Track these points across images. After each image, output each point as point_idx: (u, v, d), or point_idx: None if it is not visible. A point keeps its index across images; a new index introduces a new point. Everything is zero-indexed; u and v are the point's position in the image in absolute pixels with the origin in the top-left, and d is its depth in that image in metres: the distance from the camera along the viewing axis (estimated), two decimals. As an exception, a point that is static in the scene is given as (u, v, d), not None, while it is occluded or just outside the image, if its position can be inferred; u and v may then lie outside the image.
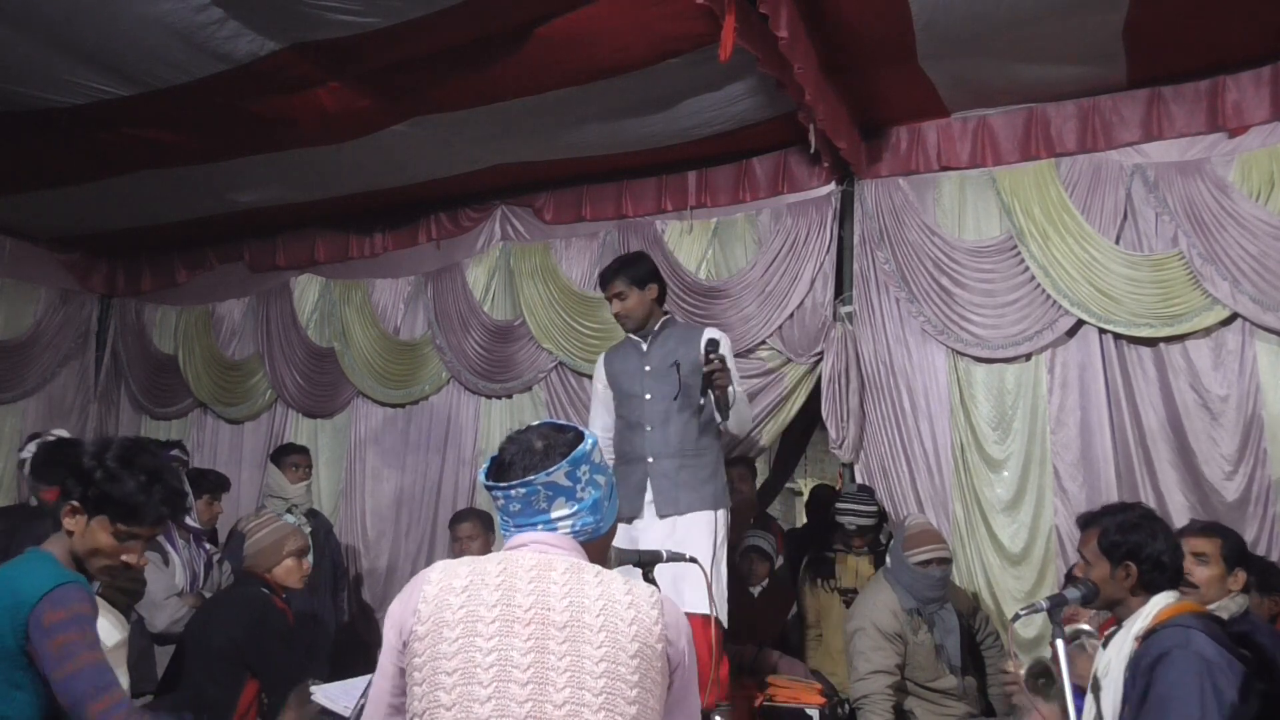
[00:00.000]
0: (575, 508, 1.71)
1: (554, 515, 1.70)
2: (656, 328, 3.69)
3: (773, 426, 4.82)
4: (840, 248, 4.77)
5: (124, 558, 2.19)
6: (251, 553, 3.36)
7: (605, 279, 3.73)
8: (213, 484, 4.66)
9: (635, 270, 3.66)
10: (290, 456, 4.93)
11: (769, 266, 4.79)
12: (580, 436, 1.76)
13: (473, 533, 4.60)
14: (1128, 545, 2.40)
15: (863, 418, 4.60)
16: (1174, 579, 2.43)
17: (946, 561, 3.79)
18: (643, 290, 3.64)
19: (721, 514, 3.53)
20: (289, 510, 4.70)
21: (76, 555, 2.18)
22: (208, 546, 4.43)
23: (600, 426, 3.75)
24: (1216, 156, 4.09)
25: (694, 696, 1.72)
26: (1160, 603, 2.38)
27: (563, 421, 1.82)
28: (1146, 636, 2.31)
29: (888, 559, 3.80)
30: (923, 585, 3.71)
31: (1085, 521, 2.59)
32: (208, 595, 4.11)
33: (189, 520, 4.36)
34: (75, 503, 2.16)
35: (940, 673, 3.73)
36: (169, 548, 4.05)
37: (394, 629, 1.65)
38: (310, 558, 3.41)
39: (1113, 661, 2.39)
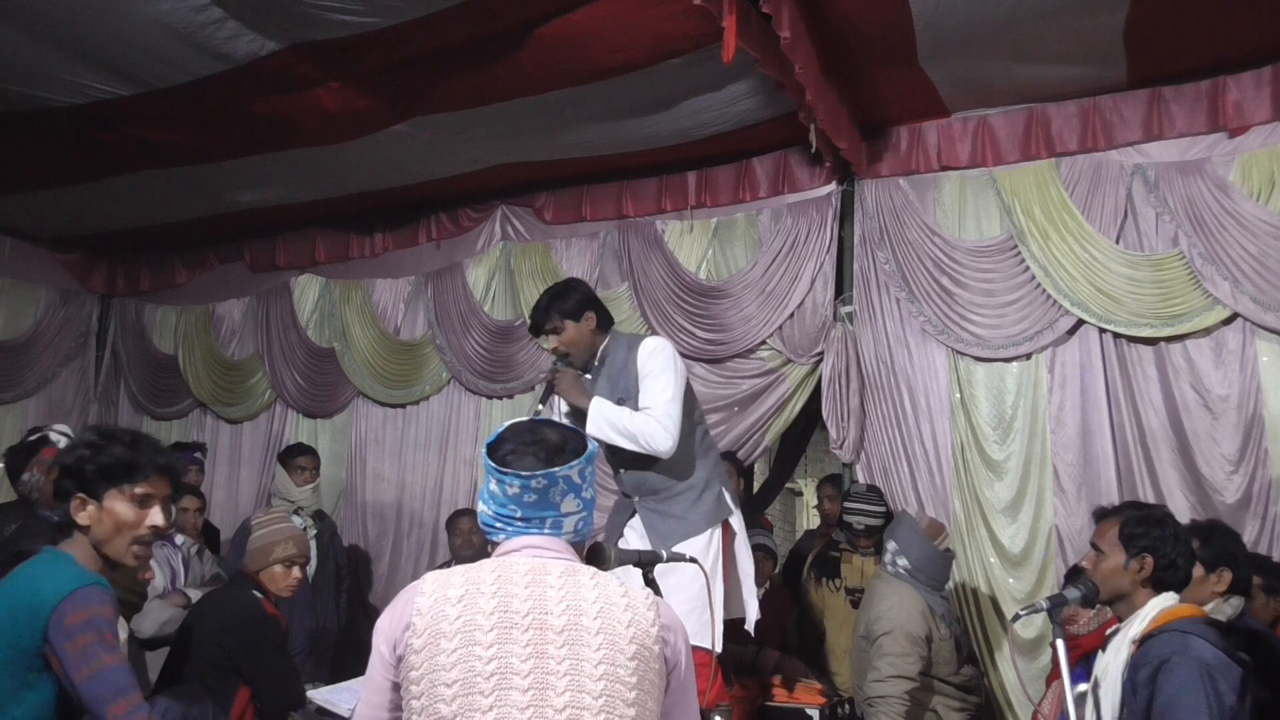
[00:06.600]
0: (580, 506, 1.71)
1: (564, 510, 1.69)
2: (598, 360, 3.30)
3: (775, 427, 4.82)
4: (840, 248, 4.78)
5: (149, 523, 2.14)
6: (249, 550, 3.31)
7: (538, 321, 3.30)
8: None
9: (566, 302, 3.26)
10: (297, 459, 4.89)
11: (769, 266, 4.79)
12: (584, 438, 1.77)
13: (474, 526, 4.52)
14: (1150, 539, 2.39)
15: (863, 418, 4.60)
16: (1183, 583, 2.43)
17: None
18: (579, 322, 3.25)
19: (714, 532, 3.23)
20: (295, 513, 4.70)
21: (100, 550, 2.14)
22: (177, 540, 4.33)
23: None
24: (1217, 156, 4.09)
25: (692, 696, 1.71)
26: (1160, 605, 2.37)
27: (559, 421, 1.82)
28: (1144, 640, 2.31)
29: (900, 560, 3.71)
30: (944, 573, 3.77)
31: (1103, 513, 2.58)
32: (191, 591, 4.11)
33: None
34: (79, 496, 2.13)
35: (959, 665, 3.74)
36: None
37: (386, 642, 1.61)
38: (311, 567, 3.31)
39: (1111, 665, 2.39)
